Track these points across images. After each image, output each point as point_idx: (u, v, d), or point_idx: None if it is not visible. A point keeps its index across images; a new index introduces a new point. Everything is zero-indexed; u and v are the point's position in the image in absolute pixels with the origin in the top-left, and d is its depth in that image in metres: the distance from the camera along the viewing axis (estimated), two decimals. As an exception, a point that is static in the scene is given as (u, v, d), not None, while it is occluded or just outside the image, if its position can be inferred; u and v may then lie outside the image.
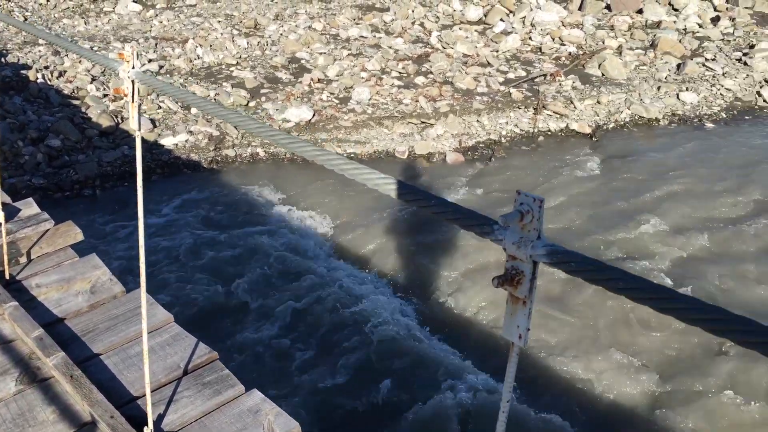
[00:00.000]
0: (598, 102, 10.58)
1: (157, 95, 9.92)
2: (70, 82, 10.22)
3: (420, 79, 11.07)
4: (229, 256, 6.73)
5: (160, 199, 7.92)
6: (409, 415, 4.88)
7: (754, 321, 0.80)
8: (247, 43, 12.42)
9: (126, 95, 1.89)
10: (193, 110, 9.74)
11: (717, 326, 0.83)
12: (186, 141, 9.21)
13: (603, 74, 11.46)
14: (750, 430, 4.82)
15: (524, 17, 13.52)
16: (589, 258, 0.98)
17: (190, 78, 10.96)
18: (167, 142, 9.11)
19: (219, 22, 13.50)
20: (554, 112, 10.24)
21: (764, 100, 10.88)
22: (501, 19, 13.41)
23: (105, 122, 9.18)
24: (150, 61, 11.40)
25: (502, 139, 9.79)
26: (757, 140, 9.62)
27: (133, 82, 1.88)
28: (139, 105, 1.93)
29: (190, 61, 11.58)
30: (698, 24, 13.56)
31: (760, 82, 11.36)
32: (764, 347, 0.79)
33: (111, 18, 13.76)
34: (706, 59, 12.04)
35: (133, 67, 1.86)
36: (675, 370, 5.33)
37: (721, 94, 11.04)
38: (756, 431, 4.81)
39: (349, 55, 11.97)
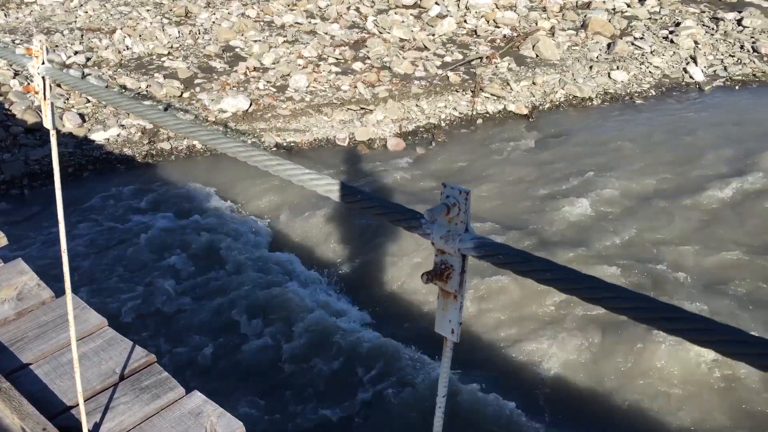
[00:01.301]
0: (534, 83, 10.74)
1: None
2: (-10, 77, 9.71)
3: (358, 65, 10.99)
4: (166, 254, 6.55)
5: (93, 197, 7.64)
6: (352, 410, 4.87)
7: (681, 309, 0.81)
8: (179, 32, 12.06)
9: (37, 93, 1.78)
10: (124, 103, 9.40)
11: (643, 315, 0.83)
12: (118, 135, 8.90)
13: (537, 55, 11.64)
14: (687, 398, 5.02)
15: (459, 0, 13.58)
16: (517, 250, 0.97)
17: (119, 70, 10.58)
18: (98, 136, 8.78)
19: (148, 11, 13.05)
20: (491, 94, 10.34)
21: (690, 77, 11.26)
22: (436, 3, 13.42)
23: (31, 119, 8.78)
24: (76, 53, 10.93)
25: (442, 122, 9.84)
26: (685, 115, 9.96)
27: (43, 78, 1.77)
28: (53, 103, 1.82)
29: (119, 52, 11.18)
30: (626, 4, 13.90)
31: (686, 59, 11.75)
32: (689, 334, 0.79)
33: (33, 9, 13.11)
34: (635, 38, 12.37)
35: (43, 63, 1.75)
36: (615, 345, 5.49)
37: (650, 71, 11.37)
38: (689, 395, 5.01)
39: (284, 42, 11.78)
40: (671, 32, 12.59)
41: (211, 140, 1.39)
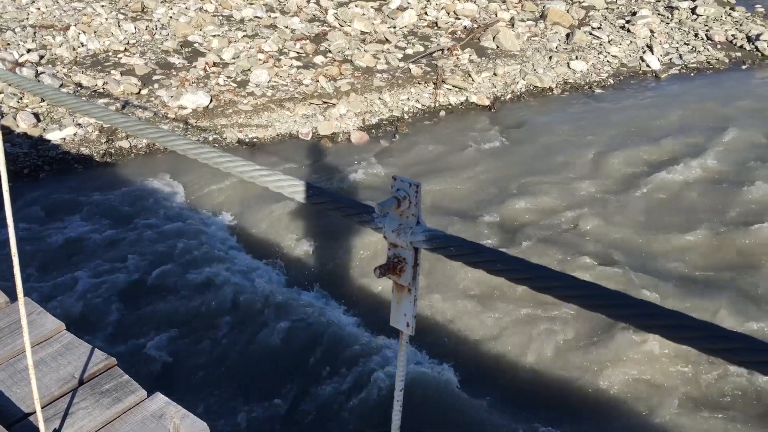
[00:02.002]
0: (495, 74, 10.81)
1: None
2: (-62, 77, 9.39)
3: (319, 59, 10.93)
4: (127, 255, 6.43)
5: (49, 198, 7.46)
6: (314, 405, 4.86)
7: (627, 295, 0.82)
8: (135, 27, 11.82)
9: (-22, 93, 1.72)
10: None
11: (591, 302, 0.84)
12: (75, 134, 8.70)
13: (498, 46, 11.72)
14: (650, 384, 5.13)
15: (419, -8, 13.58)
16: (468, 241, 0.97)
17: (74, 67, 10.33)
18: (54, 136, 8.57)
19: (103, 6, 12.76)
20: (453, 86, 10.38)
21: (647, 65, 11.46)
22: (396, -5, 13.41)
23: (-19, 119, 8.52)
24: (29, 51, 10.63)
25: (405, 115, 9.85)
26: (642, 103, 10.14)
27: (-16, 78, 1.71)
28: (10, 105, 1.76)
29: (74, 49, 10.91)
30: (584, -6, 14.08)
31: (642, 48, 11.96)
32: (636, 320, 0.80)
33: (-19, 5, 12.71)
34: (593, 28, 12.54)
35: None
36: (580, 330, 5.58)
37: (608, 61, 11.54)
38: (653, 381, 5.13)
39: (244, 36, 11.64)
40: (628, 21, 12.80)
41: (159, 138, 1.36)
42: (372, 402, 4.80)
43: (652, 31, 12.40)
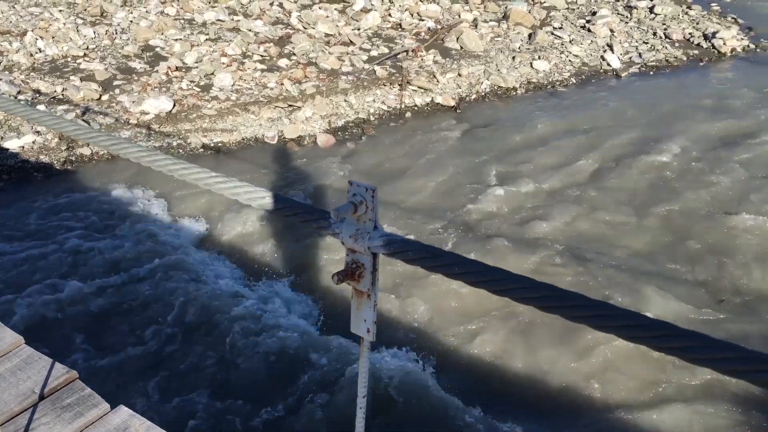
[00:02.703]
0: (460, 75, 10.88)
1: (-5, 94, 9.04)
2: None
3: (283, 62, 10.86)
4: (87, 265, 6.29)
5: (7, 208, 7.27)
6: (281, 412, 4.82)
7: (583, 296, 0.82)
8: (94, 32, 11.61)
9: (-76, 103, 1.66)
10: (41, 107, 8.98)
11: (547, 303, 0.84)
12: (33, 142, 8.49)
13: (461, 47, 11.79)
14: (622, 380, 5.21)
15: (383, -6, 13.59)
16: (426, 245, 0.97)
17: (32, 73, 10.09)
18: (12, 144, 8.36)
19: (60, 11, 12.50)
20: (419, 87, 10.42)
21: (608, 64, 11.65)
22: (360, -3, 13.41)
23: (-65, 128, 8.27)
24: (-17, 57, 10.36)
25: (371, 117, 9.84)
26: (604, 101, 10.31)
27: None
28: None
29: (31, 55, 10.66)
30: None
31: (603, 47, 12.15)
32: (592, 321, 0.81)
33: (-68, 11, 12.34)
34: (555, 28, 12.71)
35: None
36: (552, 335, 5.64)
37: (569, 60, 11.70)
38: (624, 378, 5.20)
39: (207, 40, 11.51)
40: (588, 21, 13.00)
41: (112, 146, 1.33)
42: (339, 408, 4.78)
43: (612, 31, 12.62)
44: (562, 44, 12.13)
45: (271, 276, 6.41)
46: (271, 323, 5.53)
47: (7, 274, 6.18)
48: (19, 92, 9.46)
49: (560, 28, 12.72)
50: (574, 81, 11.16)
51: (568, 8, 13.83)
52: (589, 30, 12.66)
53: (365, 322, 1.07)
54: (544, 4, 13.87)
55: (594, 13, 13.38)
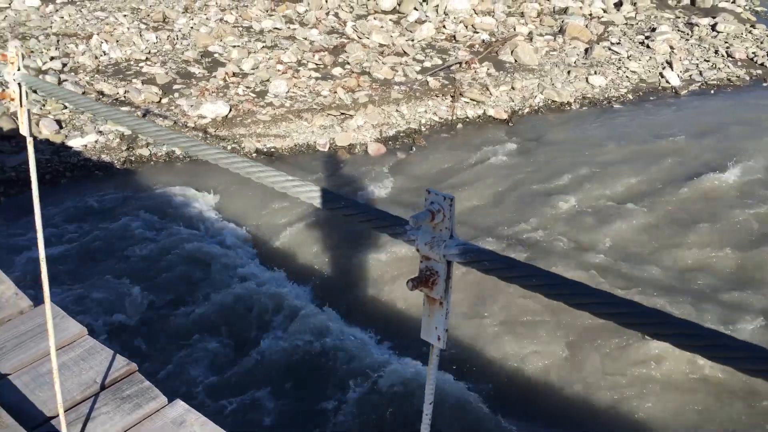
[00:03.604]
0: (513, 88, 10.82)
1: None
2: (-36, 83, 9.55)
3: (337, 70, 10.99)
4: (146, 262, 6.48)
5: (70, 204, 7.54)
6: (337, 418, 4.85)
7: (664, 313, 0.81)
8: (156, 37, 11.97)
9: (13, 99, 1.75)
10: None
11: (629, 319, 0.83)
12: (96, 141, 8.80)
13: (516, 60, 11.73)
14: (671, 399, 5.08)
15: (437, 6, 13.64)
16: (503, 256, 0.98)
17: (96, 75, 10.47)
18: (75, 143, 8.68)
19: (125, 16, 12.94)
20: (471, 99, 10.40)
21: (667, 81, 11.42)
22: (415, 8, 13.49)
23: (6, 125, 8.64)
24: (52, 59, 10.80)
25: (422, 127, 9.87)
26: (661, 119, 10.09)
27: (19, 85, 1.75)
28: (29, 110, 1.80)
29: (96, 57, 11.06)
30: (603, 9, 14.07)
31: (662, 64, 11.91)
32: (676, 339, 0.80)
33: (7, 15, 12.93)
34: (612, 43, 12.52)
35: (19, 69, 1.73)
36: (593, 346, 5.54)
37: (627, 76, 11.51)
38: (674, 398, 5.07)
39: (263, 47, 11.74)
40: (647, 37, 12.77)
41: (191, 147, 1.38)
42: (397, 414, 4.79)
43: (671, 47, 12.36)
44: (620, 60, 11.94)
45: (322, 279, 6.48)
46: (327, 326, 5.58)
47: (69, 267, 6.41)
48: (83, 93, 9.82)
49: (618, 43, 12.53)
50: (631, 97, 10.97)
51: (626, 24, 13.62)
52: (648, 46, 12.44)
53: (436, 330, 1.08)
54: (602, 19, 13.69)
55: (653, 30, 13.14)
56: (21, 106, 1.77)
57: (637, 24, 13.62)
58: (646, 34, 13.03)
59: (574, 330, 5.66)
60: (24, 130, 1.83)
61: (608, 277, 6.34)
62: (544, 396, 5.16)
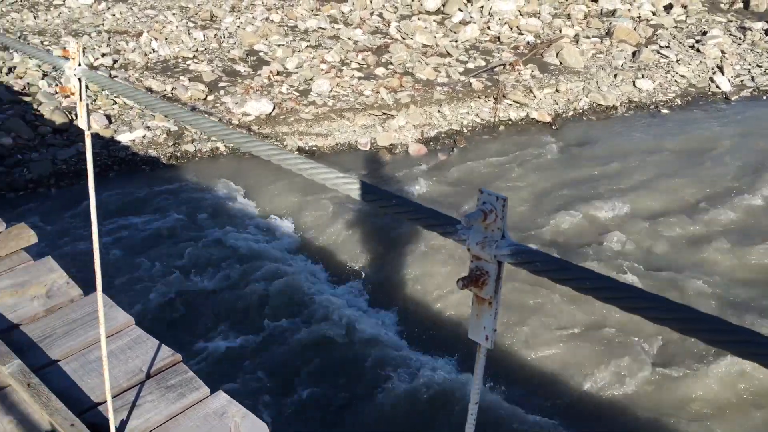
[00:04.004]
0: (557, 90, 10.69)
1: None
2: (20, 78, 9.88)
3: (380, 70, 11.02)
4: (191, 255, 6.61)
5: (118, 197, 7.74)
6: (380, 412, 4.87)
7: (721, 319, 0.80)
8: (204, 35, 12.20)
9: (73, 94, 1.81)
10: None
11: (686, 326, 0.82)
12: (143, 137, 9.01)
13: (561, 63, 11.58)
14: (721, 417, 4.95)
15: (482, 7, 13.57)
16: (555, 257, 0.97)
17: (145, 72, 10.72)
18: (124, 138, 8.90)
19: (174, 14, 13.22)
20: (514, 101, 10.31)
21: (717, 86, 11.13)
22: (459, 9, 13.43)
23: (58, 119, 8.92)
24: (103, 55, 11.09)
25: (464, 129, 9.83)
26: (711, 125, 9.84)
27: (80, 80, 1.81)
28: (88, 104, 1.85)
29: (145, 54, 11.32)
30: (652, 12, 13.79)
31: (712, 69, 11.62)
32: (733, 346, 0.79)
33: (61, 12, 13.33)
34: (661, 47, 12.26)
35: (80, 65, 1.78)
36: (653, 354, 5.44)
37: (675, 80, 11.26)
38: (729, 416, 4.94)
39: (308, 47, 11.85)
40: (698, 41, 12.47)
41: (245, 143, 1.41)
42: (440, 414, 4.79)
43: (723, 52, 12.04)
44: (668, 63, 11.69)
45: (367, 275, 6.51)
46: (371, 323, 5.62)
47: (115, 258, 6.58)
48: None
49: (667, 46, 12.27)
50: (680, 102, 10.73)
51: (676, 27, 13.32)
52: (698, 50, 12.14)
53: (484, 330, 1.08)
54: (651, 22, 13.42)
55: (704, 33, 12.82)
56: (80, 100, 1.83)
57: (687, 27, 13.31)
58: (697, 37, 12.72)
59: (631, 337, 5.57)
60: (82, 124, 1.89)
61: (656, 284, 6.22)
62: (585, 403, 5.09)
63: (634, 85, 10.99)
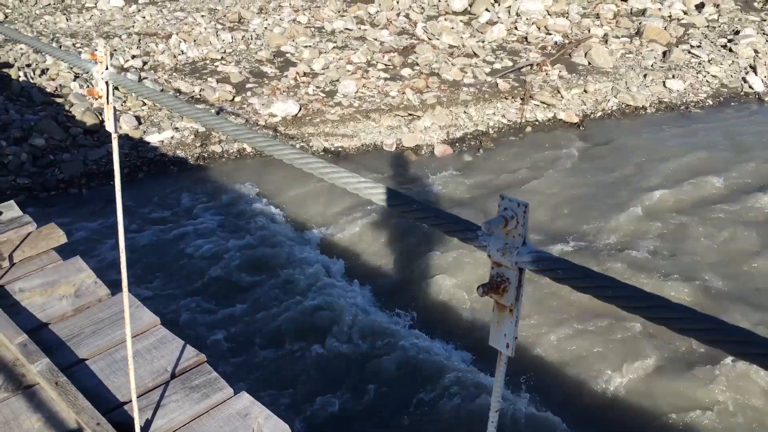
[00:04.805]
0: (585, 91, 10.57)
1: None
2: (53, 80, 10.08)
3: (406, 71, 11.01)
4: (216, 256, 6.67)
5: (145, 198, 7.85)
6: (401, 416, 4.86)
7: (749, 331, 0.78)
8: (232, 37, 12.31)
9: (100, 97, 1.84)
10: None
11: (711, 337, 0.80)
12: (172, 138, 9.12)
13: (589, 63, 11.45)
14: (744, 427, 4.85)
15: (509, 7, 13.48)
16: (577, 265, 0.95)
17: (174, 74, 10.85)
18: (153, 139, 9.02)
19: (202, 16, 13.37)
20: (541, 101, 10.22)
21: (750, 87, 10.91)
22: (486, 9, 13.36)
23: (89, 120, 9.07)
24: (133, 57, 11.26)
25: (490, 130, 9.77)
26: (743, 126, 9.64)
27: (107, 83, 1.83)
28: (115, 107, 1.88)
29: (174, 56, 11.47)
30: (683, 11, 13.56)
31: (745, 68, 11.39)
32: (760, 359, 0.76)
33: (93, 14, 13.58)
34: (692, 46, 12.05)
35: (107, 68, 1.81)
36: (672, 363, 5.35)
37: (707, 80, 11.06)
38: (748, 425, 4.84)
39: (334, 48, 11.89)
40: (730, 41, 12.23)
41: (268, 146, 1.41)
42: (459, 421, 4.76)
43: (756, 51, 11.79)
44: (700, 63, 11.48)
45: (389, 280, 6.51)
46: (391, 329, 5.61)
47: (142, 258, 6.67)
48: (162, 90, 10.19)
49: (698, 46, 12.05)
50: (711, 103, 10.53)
51: (708, 26, 13.07)
52: (730, 50, 11.91)
53: (505, 337, 1.07)
54: (682, 21, 13.19)
55: (737, 32, 12.56)
56: (108, 103, 1.85)
57: (719, 26, 13.05)
58: (729, 37, 12.47)
59: (652, 344, 5.48)
60: (110, 127, 1.92)
61: (684, 290, 6.11)
62: (616, 415, 5.02)
63: (664, 85, 10.81)
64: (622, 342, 5.50)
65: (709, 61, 11.55)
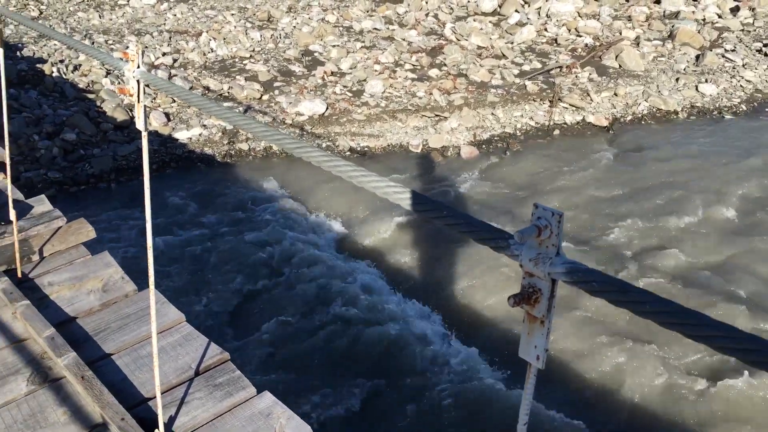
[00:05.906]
0: (615, 94, 10.43)
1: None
2: (85, 75, 10.23)
3: (434, 72, 10.97)
4: (242, 253, 6.70)
5: (174, 194, 7.92)
6: (425, 416, 4.83)
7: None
8: (261, 35, 12.38)
9: (131, 95, 1.84)
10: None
11: (755, 358, 0.76)
12: (200, 135, 9.20)
13: (620, 66, 11.30)
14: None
15: (539, 8, 13.36)
16: (613, 278, 0.92)
17: (203, 71, 10.95)
18: (181, 135, 9.11)
19: (232, 14, 13.47)
20: (570, 104, 10.11)
21: (785, 92, 10.67)
22: (516, 11, 13.26)
23: (120, 116, 9.19)
24: (164, 54, 11.39)
25: (517, 132, 9.69)
26: (778, 133, 9.43)
27: (138, 82, 1.84)
28: (145, 105, 1.88)
29: (204, 54, 11.56)
30: (717, 14, 13.32)
31: (781, 74, 11.15)
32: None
33: (125, 11, 13.76)
34: (726, 50, 11.83)
35: (138, 67, 1.81)
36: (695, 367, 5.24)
37: (741, 85, 10.84)
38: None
39: (362, 47, 11.89)
40: (765, 45, 11.97)
41: (295, 149, 1.40)
42: (488, 414, 4.73)
43: (793, 56, 11.54)
44: (734, 68, 11.26)
45: (414, 283, 6.48)
46: (420, 333, 5.57)
47: (169, 254, 6.73)
48: (191, 88, 10.28)
49: (733, 50, 11.81)
50: (745, 108, 10.32)
51: (743, 30, 12.82)
52: (765, 54, 11.66)
53: (536, 349, 1.04)
54: (716, 25, 12.95)
55: (773, 36, 12.30)
56: (138, 102, 1.86)
57: (754, 30, 12.79)
58: (765, 41, 12.21)
59: (686, 359, 5.39)
60: (140, 125, 1.92)
61: (719, 302, 5.97)
62: (638, 420, 4.94)
63: (696, 89, 10.62)
64: (656, 356, 5.40)
65: (743, 65, 11.33)
